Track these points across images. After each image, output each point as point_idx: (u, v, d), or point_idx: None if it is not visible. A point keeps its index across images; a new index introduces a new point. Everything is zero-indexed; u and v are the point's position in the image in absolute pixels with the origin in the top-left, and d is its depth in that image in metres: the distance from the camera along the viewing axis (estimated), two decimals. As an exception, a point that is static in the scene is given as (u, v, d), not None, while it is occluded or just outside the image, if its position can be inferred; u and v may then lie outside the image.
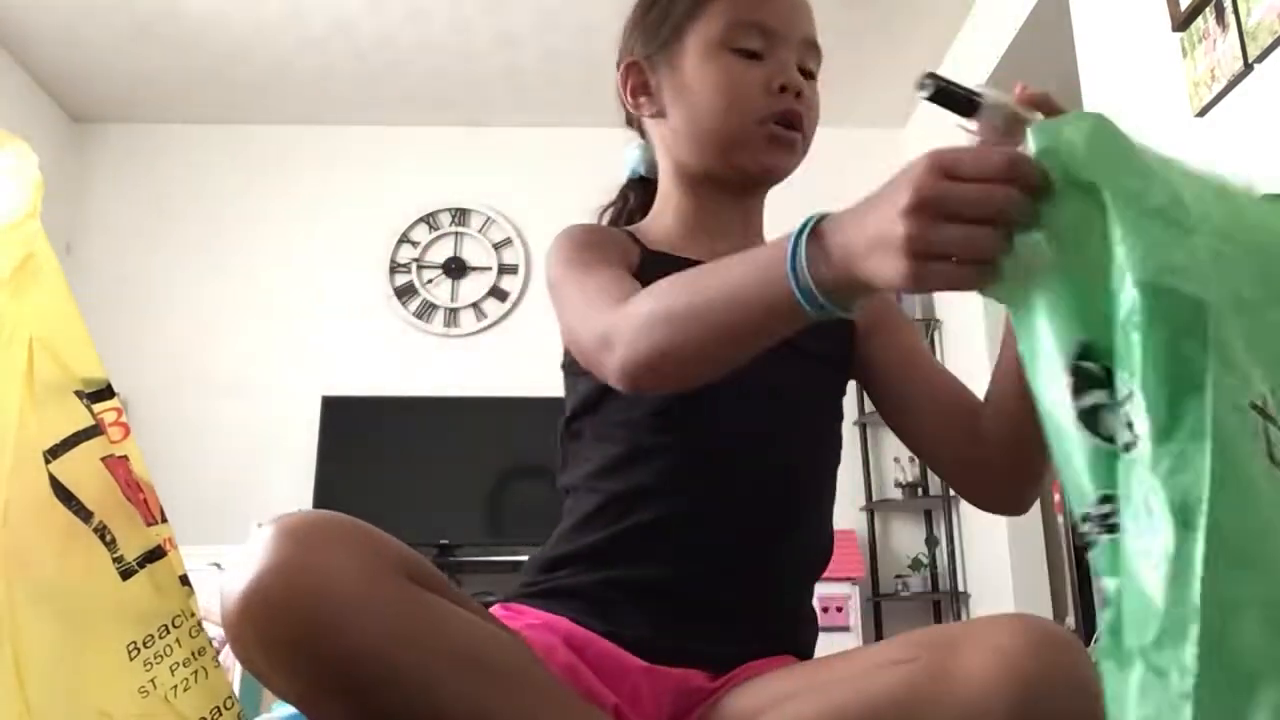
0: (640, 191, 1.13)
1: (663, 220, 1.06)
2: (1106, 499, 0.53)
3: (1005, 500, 0.95)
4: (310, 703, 0.68)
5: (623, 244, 1.01)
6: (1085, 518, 0.54)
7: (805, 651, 0.96)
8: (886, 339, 1.03)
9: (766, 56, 0.98)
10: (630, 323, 0.76)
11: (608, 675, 0.84)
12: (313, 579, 0.65)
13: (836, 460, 1.03)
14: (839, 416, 1.04)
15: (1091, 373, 0.55)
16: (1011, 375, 0.87)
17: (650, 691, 0.85)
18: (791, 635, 0.95)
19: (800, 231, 0.64)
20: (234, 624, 0.66)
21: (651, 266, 0.97)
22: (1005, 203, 0.55)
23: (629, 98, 1.07)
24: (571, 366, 1.00)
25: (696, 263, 0.97)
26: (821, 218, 0.64)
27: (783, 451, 0.96)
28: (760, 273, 0.67)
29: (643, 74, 1.06)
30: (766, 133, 0.97)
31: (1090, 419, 0.54)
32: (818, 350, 0.99)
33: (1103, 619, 0.54)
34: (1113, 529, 0.52)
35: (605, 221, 1.14)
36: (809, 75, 1.01)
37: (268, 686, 0.69)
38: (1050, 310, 0.56)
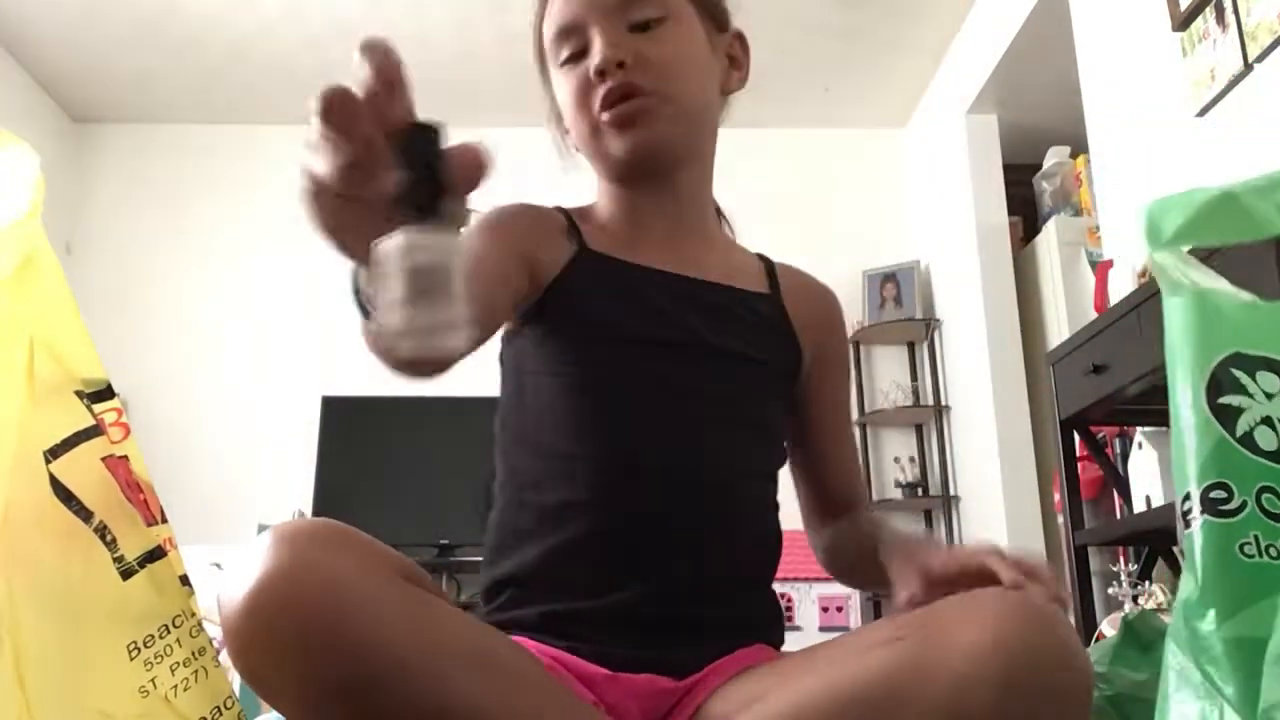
0: None
1: (602, 216, 1.05)
2: (1220, 486, 0.60)
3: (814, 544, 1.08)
4: (310, 705, 0.67)
5: (546, 232, 0.99)
6: (1188, 496, 0.62)
7: (770, 637, 0.96)
8: (820, 377, 1.06)
9: (589, 48, 0.96)
10: None
11: (580, 680, 0.84)
12: (319, 577, 0.64)
13: (779, 461, 1.03)
14: (780, 416, 1.03)
15: (1236, 379, 0.64)
16: (871, 572, 0.94)
17: (616, 697, 0.84)
18: (755, 632, 0.94)
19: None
20: (239, 627, 0.65)
21: (588, 268, 0.97)
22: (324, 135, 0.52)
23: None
24: (502, 353, 1.01)
25: (631, 265, 0.99)
26: None
27: (714, 454, 0.94)
28: None
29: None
30: (607, 120, 0.95)
31: (1223, 414, 0.62)
32: (756, 354, 0.99)
33: (1182, 592, 0.57)
34: (1222, 515, 0.60)
35: None
36: (645, 26, 0.95)
37: (267, 695, 0.68)
38: (1213, 317, 0.67)
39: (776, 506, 1.02)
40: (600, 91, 0.94)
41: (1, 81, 3.70)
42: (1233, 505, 0.60)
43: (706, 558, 0.92)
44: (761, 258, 1.10)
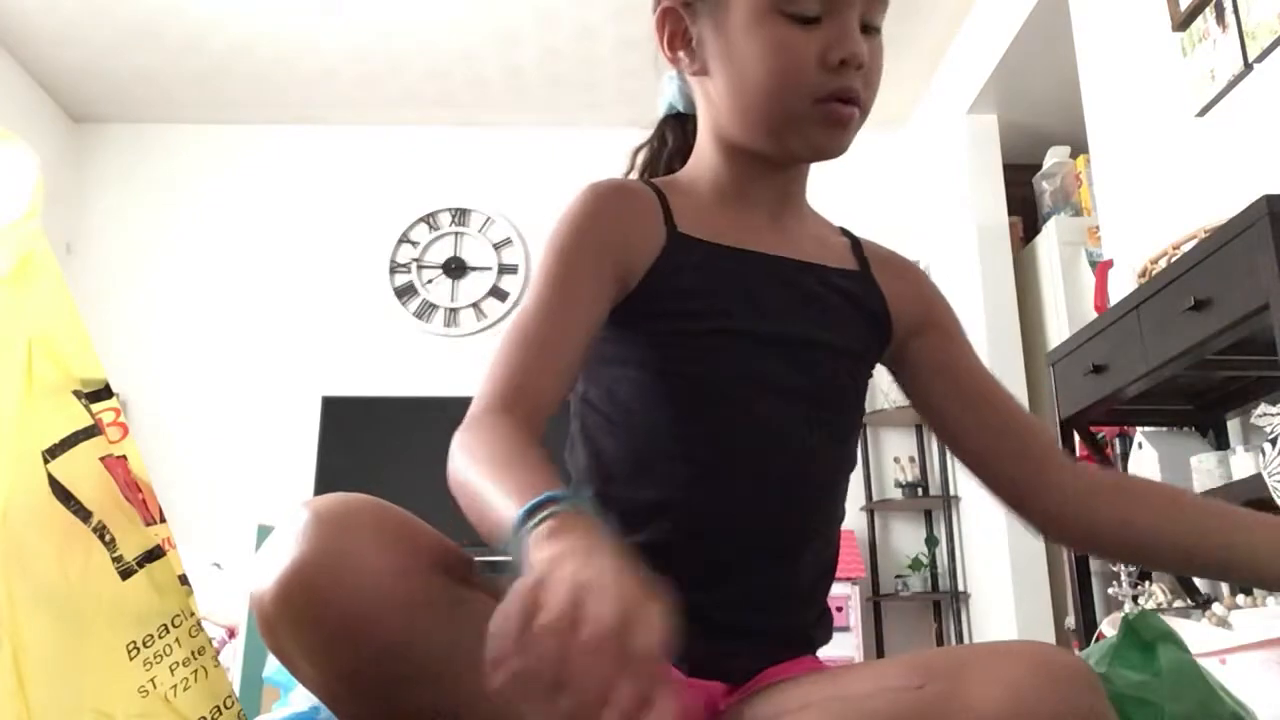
0: (679, 131, 1.03)
1: (698, 185, 0.97)
2: None
3: (1040, 524, 0.95)
4: (335, 691, 0.67)
5: (640, 222, 0.91)
6: None
7: (819, 645, 0.94)
8: (943, 346, 0.99)
9: (825, 19, 0.86)
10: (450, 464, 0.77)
11: None
12: (348, 569, 0.64)
13: (851, 465, 0.98)
14: (861, 411, 0.99)
15: None
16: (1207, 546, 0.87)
17: (688, 704, 0.83)
18: (811, 637, 0.93)
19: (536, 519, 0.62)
20: (268, 612, 0.65)
21: (680, 254, 0.90)
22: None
23: (666, 47, 0.95)
24: (601, 353, 0.92)
25: (729, 250, 0.92)
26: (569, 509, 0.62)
27: (807, 453, 0.91)
28: (501, 518, 0.65)
29: (682, 21, 0.93)
30: (821, 112, 0.87)
31: None
32: (853, 345, 0.95)
33: None
34: None
35: (639, 164, 1.05)
36: (870, 30, 0.89)
37: (296, 675, 0.68)
38: None
39: (844, 509, 0.98)
40: (838, 83, 0.86)
41: (1, 81, 3.70)
42: None
43: (787, 565, 0.90)
44: (845, 232, 1.05)
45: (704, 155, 0.97)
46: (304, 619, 0.64)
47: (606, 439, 0.92)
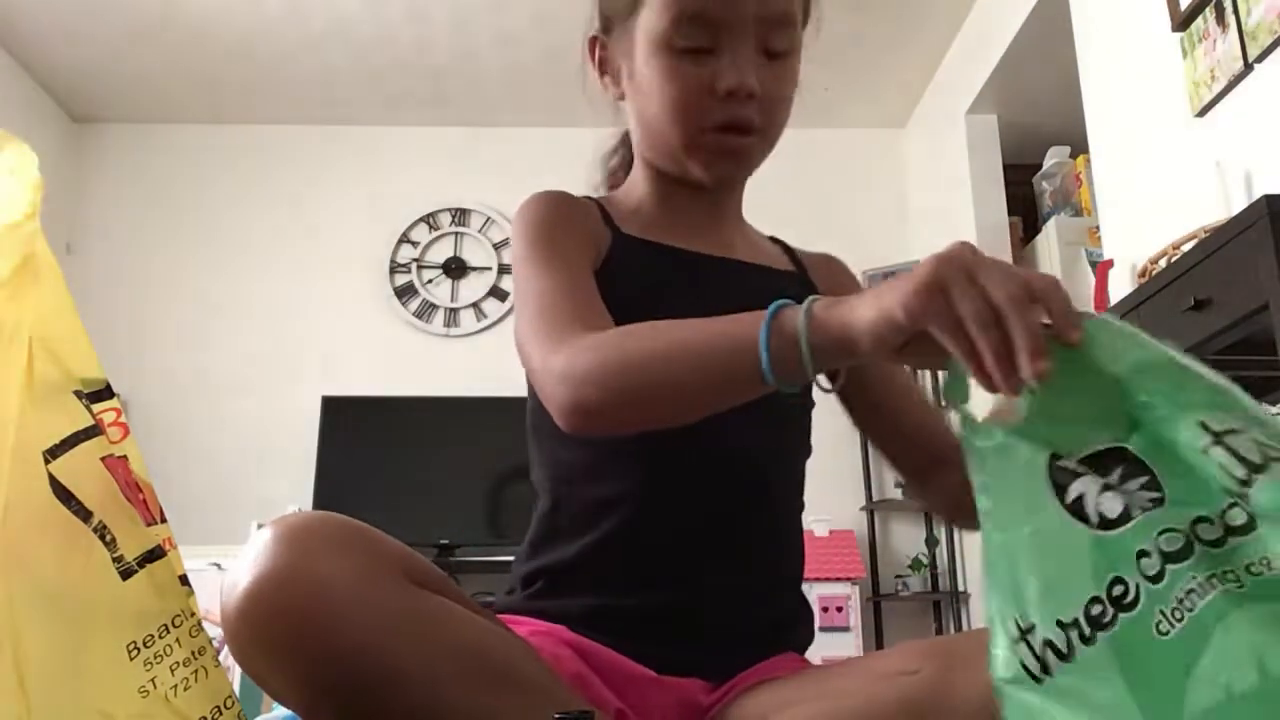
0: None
1: (633, 197, 1.01)
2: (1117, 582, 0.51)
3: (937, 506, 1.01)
4: (308, 705, 0.67)
5: (591, 223, 0.96)
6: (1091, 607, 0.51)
7: (803, 646, 0.95)
8: None
9: (717, 50, 0.89)
10: (592, 363, 0.75)
11: (615, 682, 0.83)
12: (308, 583, 0.64)
13: (806, 455, 1.00)
14: (808, 410, 1.00)
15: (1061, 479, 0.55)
16: None
17: (659, 702, 0.83)
18: (786, 636, 0.93)
19: (777, 308, 0.67)
20: (232, 626, 0.66)
21: (624, 253, 0.95)
22: (1022, 302, 0.55)
23: (596, 73, 1.01)
24: None
25: (670, 248, 0.96)
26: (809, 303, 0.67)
27: (752, 451, 0.92)
28: (731, 332, 0.69)
29: (605, 49, 0.99)
30: (714, 140, 0.91)
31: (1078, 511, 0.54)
32: None
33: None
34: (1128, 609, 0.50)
35: (612, 165, 1.10)
36: (774, 55, 0.91)
37: (265, 689, 0.69)
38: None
39: (801, 509, 0.99)
40: (721, 113, 0.90)
41: (1, 81, 3.70)
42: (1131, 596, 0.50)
43: (743, 559, 0.91)
44: (775, 240, 1.09)
45: (637, 177, 1.03)
46: (267, 632, 0.64)
47: (560, 446, 0.93)
